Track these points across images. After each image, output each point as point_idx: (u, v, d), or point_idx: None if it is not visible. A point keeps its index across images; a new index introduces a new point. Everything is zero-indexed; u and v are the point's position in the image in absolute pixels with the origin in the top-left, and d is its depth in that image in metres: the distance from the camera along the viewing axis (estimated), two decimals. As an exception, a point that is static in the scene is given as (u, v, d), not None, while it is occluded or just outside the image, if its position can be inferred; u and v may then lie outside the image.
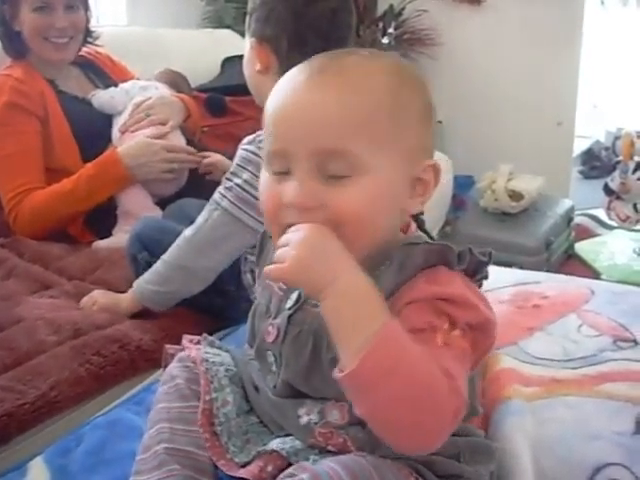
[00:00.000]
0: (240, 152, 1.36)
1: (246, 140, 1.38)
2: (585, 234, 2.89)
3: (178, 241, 1.37)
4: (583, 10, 2.91)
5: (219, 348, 0.93)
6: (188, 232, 1.36)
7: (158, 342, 1.28)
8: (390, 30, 2.89)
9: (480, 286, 0.75)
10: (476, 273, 0.73)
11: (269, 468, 0.74)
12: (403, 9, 3.06)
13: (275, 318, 0.80)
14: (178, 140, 1.91)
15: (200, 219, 1.36)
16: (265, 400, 0.82)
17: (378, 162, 0.71)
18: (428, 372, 0.64)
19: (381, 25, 2.92)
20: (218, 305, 1.43)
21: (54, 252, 1.67)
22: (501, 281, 1.37)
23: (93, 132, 1.94)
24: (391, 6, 3.02)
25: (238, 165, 1.35)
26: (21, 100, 1.84)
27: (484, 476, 0.76)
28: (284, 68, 0.80)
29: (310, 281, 0.67)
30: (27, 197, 1.76)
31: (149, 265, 1.45)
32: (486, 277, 0.75)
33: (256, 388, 0.84)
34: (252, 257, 1.37)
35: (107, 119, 1.97)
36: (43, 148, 1.85)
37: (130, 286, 1.48)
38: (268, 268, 0.68)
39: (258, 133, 1.34)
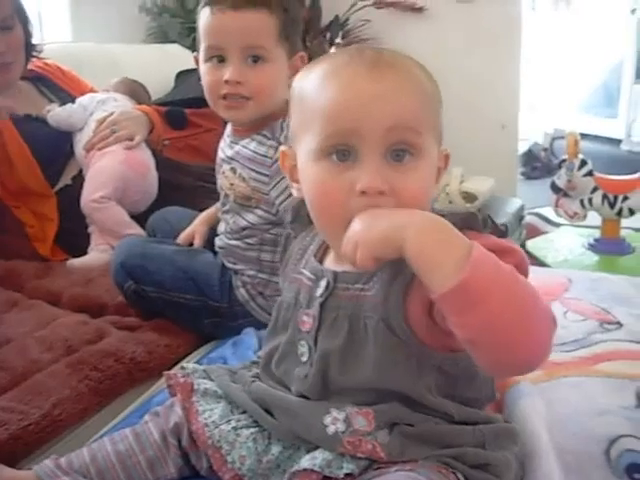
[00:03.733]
0: None
1: None
2: (534, 232, 2.96)
3: None
4: (520, 15, 3.03)
5: (206, 377, 0.93)
6: None
7: (152, 353, 1.28)
8: (337, 40, 2.95)
9: None
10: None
11: None
12: (347, 19, 3.11)
13: (308, 308, 0.81)
14: (146, 154, 1.90)
15: None
16: (284, 416, 0.81)
17: (429, 146, 0.75)
18: (522, 278, 0.66)
19: (328, 35, 2.97)
20: (208, 326, 1.40)
21: (28, 271, 1.63)
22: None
23: (52, 149, 1.90)
24: (336, 16, 3.08)
25: None
26: None
27: (510, 460, 0.78)
28: None
29: (386, 235, 0.69)
30: None
31: (136, 294, 1.43)
32: None
33: (268, 411, 0.84)
34: (249, 271, 1.37)
35: (65, 134, 1.93)
36: (4, 171, 1.80)
37: (111, 299, 1.48)
38: (345, 247, 0.71)
39: None
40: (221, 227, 1.43)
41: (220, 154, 1.40)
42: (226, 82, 1.26)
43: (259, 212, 1.32)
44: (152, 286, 1.41)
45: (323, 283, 0.81)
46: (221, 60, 1.28)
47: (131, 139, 1.86)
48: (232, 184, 1.34)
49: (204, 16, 1.27)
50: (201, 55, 1.31)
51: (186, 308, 1.40)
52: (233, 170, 1.34)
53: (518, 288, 0.66)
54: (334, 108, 0.74)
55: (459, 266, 0.63)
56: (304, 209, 0.82)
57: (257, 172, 1.30)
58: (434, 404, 0.76)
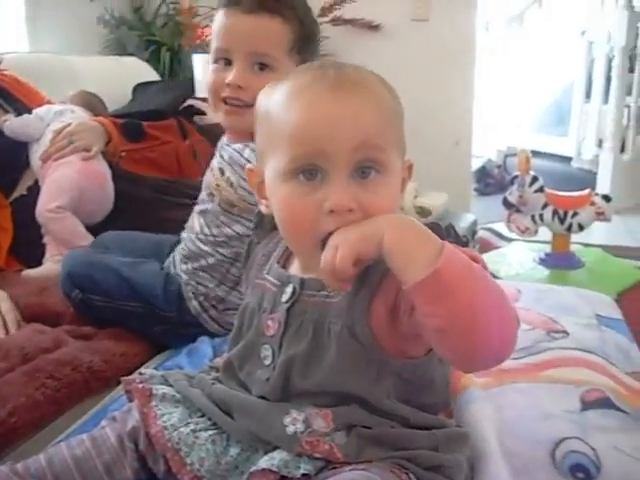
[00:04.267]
0: None
1: None
2: (487, 247, 3.02)
3: None
4: (474, 34, 3.11)
5: (164, 383, 0.93)
6: None
7: (108, 362, 1.28)
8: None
9: None
10: None
11: None
12: (306, 36, 3.15)
13: (272, 313, 0.83)
14: (102, 165, 1.90)
15: None
16: (244, 416, 0.83)
17: (394, 161, 0.78)
18: (490, 276, 0.70)
19: (287, 51, 3.00)
20: (158, 333, 1.40)
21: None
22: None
23: (7, 159, 1.89)
24: (295, 33, 3.10)
25: None
26: None
27: (462, 462, 0.81)
28: None
29: (365, 233, 0.71)
30: None
31: (83, 303, 1.43)
32: None
33: (227, 413, 0.85)
34: (208, 284, 1.35)
35: (21, 145, 1.92)
36: None
37: (67, 307, 1.47)
38: (325, 256, 0.72)
39: None
40: (194, 226, 1.39)
41: (216, 152, 1.38)
42: (227, 85, 1.24)
43: (247, 223, 1.28)
44: (98, 295, 1.41)
45: (289, 289, 0.83)
46: (228, 63, 1.26)
47: (88, 150, 1.86)
48: (218, 185, 1.31)
49: (218, 18, 1.26)
50: (210, 56, 1.29)
51: (135, 316, 1.40)
52: (222, 171, 1.31)
53: (488, 283, 0.69)
54: (299, 131, 0.75)
55: (433, 258, 0.67)
56: (267, 216, 0.84)
57: (246, 181, 1.28)
58: (391, 408, 0.79)
